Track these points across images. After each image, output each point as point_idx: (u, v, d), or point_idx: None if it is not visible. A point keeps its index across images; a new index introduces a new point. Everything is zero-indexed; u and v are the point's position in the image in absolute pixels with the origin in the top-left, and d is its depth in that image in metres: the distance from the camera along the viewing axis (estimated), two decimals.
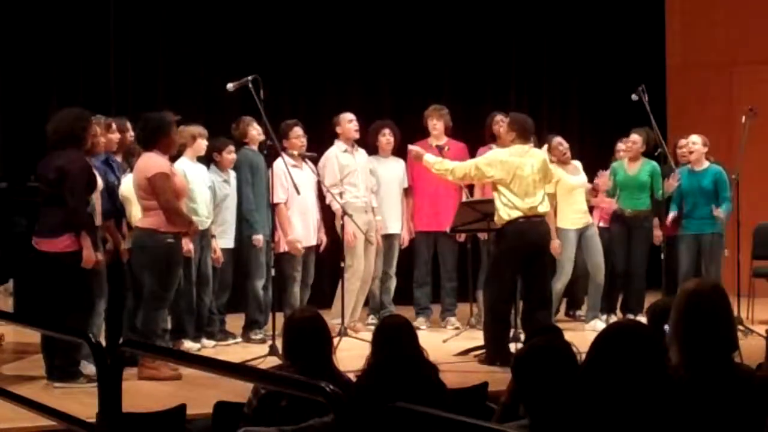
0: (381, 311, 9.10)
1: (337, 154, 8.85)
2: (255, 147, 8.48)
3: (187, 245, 7.41)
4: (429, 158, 7.78)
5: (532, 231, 7.40)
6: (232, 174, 8.40)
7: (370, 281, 9.02)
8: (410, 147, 8.10)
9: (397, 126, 9.34)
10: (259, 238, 8.30)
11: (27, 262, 6.76)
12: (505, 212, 7.39)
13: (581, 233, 9.03)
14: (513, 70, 11.93)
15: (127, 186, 7.19)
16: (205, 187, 8.00)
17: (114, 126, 7.34)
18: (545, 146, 8.82)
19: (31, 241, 6.60)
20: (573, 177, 9.02)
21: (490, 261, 7.76)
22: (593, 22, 12.17)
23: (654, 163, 9.17)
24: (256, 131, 8.43)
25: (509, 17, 11.83)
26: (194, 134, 7.99)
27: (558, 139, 9.13)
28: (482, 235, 8.87)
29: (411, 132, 9.39)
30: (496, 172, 7.42)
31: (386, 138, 9.19)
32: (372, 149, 9.18)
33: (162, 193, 6.76)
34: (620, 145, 9.57)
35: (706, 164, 8.96)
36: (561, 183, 8.87)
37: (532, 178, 7.41)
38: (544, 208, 7.53)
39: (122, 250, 7.06)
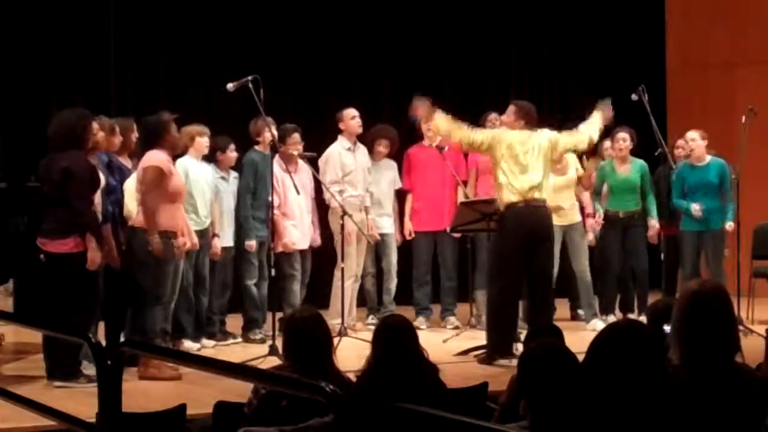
0: (382, 311, 9.11)
1: (340, 151, 8.87)
2: (266, 150, 8.37)
3: (192, 240, 7.34)
4: (436, 116, 7.64)
5: (532, 216, 7.38)
6: (233, 173, 8.41)
7: (360, 279, 9.07)
8: (415, 100, 7.86)
9: (396, 131, 9.36)
10: (251, 244, 8.34)
11: (29, 262, 6.76)
12: (505, 194, 7.37)
13: (565, 231, 9.00)
14: (513, 70, 11.93)
15: (128, 185, 7.20)
16: (207, 187, 7.99)
17: (117, 129, 7.32)
18: None
19: (30, 241, 6.60)
20: (558, 176, 8.96)
21: (490, 255, 7.72)
22: (593, 22, 12.16)
23: (643, 163, 9.15)
24: (271, 134, 8.28)
25: (509, 17, 11.83)
26: (193, 134, 7.98)
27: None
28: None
29: (411, 132, 9.39)
30: (498, 150, 7.40)
31: (381, 149, 9.24)
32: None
33: (146, 185, 6.77)
34: (607, 143, 9.51)
35: (708, 158, 8.95)
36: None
37: (532, 163, 7.39)
38: (542, 193, 7.48)
39: (114, 255, 6.89)
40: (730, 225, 8.81)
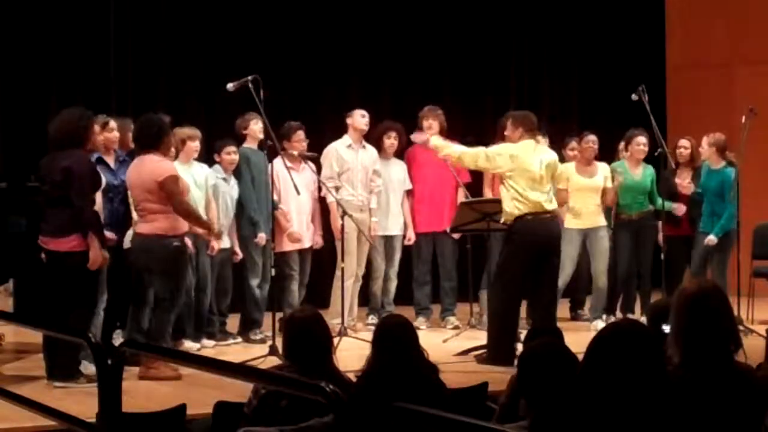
0: (380, 311, 9.10)
1: (338, 148, 8.87)
2: (254, 145, 8.47)
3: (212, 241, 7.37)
4: (436, 142, 7.77)
5: (542, 229, 7.40)
6: (233, 176, 8.40)
7: (361, 279, 9.05)
8: (414, 136, 8.07)
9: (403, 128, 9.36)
10: (262, 236, 8.32)
11: (31, 261, 6.76)
12: (513, 206, 7.38)
13: (586, 234, 9.03)
14: (513, 70, 11.92)
15: None
16: (197, 190, 7.95)
17: (111, 124, 7.31)
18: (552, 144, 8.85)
19: (30, 241, 6.60)
20: (585, 178, 8.99)
21: (499, 260, 7.72)
22: (593, 22, 12.16)
23: (652, 168, 9.20)
24: (258, 127, 8.34)
25: (509, 17, 11.82)
26: (183, 138, 7.88)
27: (592, 138, 9.12)
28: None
29: (410, 132, 9.38)
30: (505, 164, 7.42)
31: (391, 141, 9.19)
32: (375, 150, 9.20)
33: (174, 195, 6.79)
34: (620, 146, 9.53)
35: (722, 164, 8.95)
36: (571, 181, 8.90)
37: (539, 174, 7.42)
38: (551, 205, 7.52)
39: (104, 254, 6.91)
40: (710, 239, 8.79)
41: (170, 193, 6.77)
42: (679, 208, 8.95)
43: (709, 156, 8.94)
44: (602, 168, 9.13)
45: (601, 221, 9.12)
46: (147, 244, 6.85)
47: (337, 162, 8.82)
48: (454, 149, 7.70)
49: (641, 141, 9.12)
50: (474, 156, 7.59)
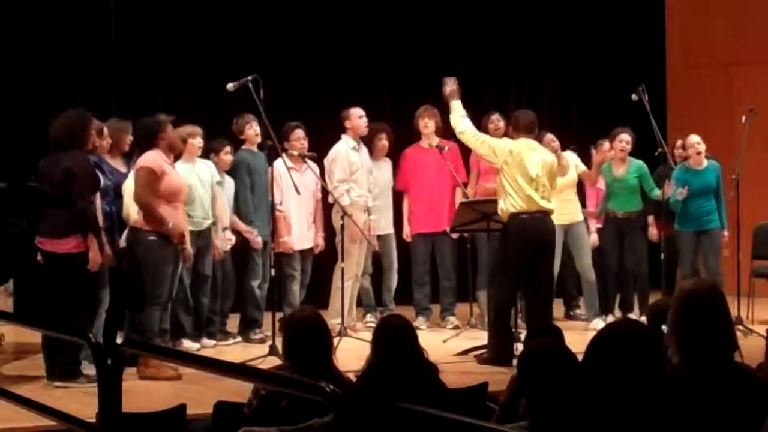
0: (381, 310, 9.11)
1: (347, 150, 8.87)
2: (253, 147, 8.48)
3: (188, 249, 7.16)
4: (456, 106, 7.67)
5: (537, 228, 7.40)
6: (226, 176, 8.39)
7: (360, 279, 9.05)
8: (447, 83, 7.88)
9: (393, 129, 9.37)
10: (258, 241, 8.33)
11: (29, 262, 6.76)
12: (509, 203, 7.38)
13: (566, 230, 9.01)
14: (513, 70, 11.93)
15: (127, 187, 7.18)
16: (202, 188, 7.96)
17: (105, 131, 7.28)
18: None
19: (30, 241, 6.60)
20: (559, 176, 8.97)
21: (494, 258, 7.74)
22: (593, 23, 12.17)
23: (641, 162, 9.18)
24: (253, 131, 8.41)
25: (509, 17, 11.83)
26: (183, 137, 7.79)
27: (550, 136, 9.12)
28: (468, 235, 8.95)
29: (410, 131, 9.39)
30: (501, 157, 7.41)
31: (382, 142, 9.23)
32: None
33: (138, 185, 6.78)
34: (607, 145, 9.47)
35: (705, 162, 8.96)
36: None
37: (536, 172, 7.41)
38: (547, 203, 7.50)
39: (109, 254, 6.79)
40: (726, 234, 8.88)
41: (136, 183, 6.78)
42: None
43: (699, 153, 8.92)
44: (569, 158, 9.11)
45: (580, 216, 9.12)
46: (128, 237, 6.93)
47: (348, 164, 8.82)
48: (462, 122, 7.62)
49: (623, 138, 9.10)
50: (477, 139, 7.56)
